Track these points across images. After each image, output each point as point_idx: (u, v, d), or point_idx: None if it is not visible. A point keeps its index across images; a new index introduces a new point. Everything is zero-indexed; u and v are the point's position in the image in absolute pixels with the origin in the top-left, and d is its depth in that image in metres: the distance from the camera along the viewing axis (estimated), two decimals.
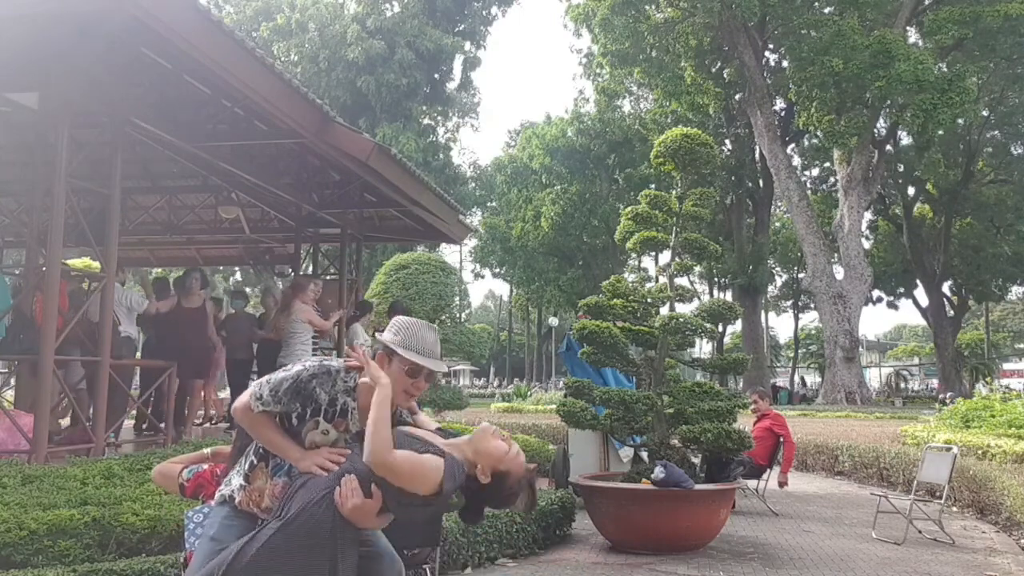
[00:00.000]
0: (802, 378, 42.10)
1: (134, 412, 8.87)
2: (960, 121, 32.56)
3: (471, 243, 50.25)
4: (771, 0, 31.79)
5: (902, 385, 48.76)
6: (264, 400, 2.59)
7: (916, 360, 63.86)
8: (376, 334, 9.56)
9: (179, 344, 8.57)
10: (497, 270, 54.32)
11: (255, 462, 2.67)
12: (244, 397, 2.62)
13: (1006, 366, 53.45)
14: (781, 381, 49.50)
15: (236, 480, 2.69)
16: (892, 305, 47.22)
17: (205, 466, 3.25)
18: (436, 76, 39.56)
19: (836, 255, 33.91)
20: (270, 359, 10.12)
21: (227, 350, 9.83)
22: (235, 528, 2.60)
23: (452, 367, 47.10)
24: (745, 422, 7.67)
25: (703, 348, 41.92)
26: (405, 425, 2.77)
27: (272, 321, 8.98)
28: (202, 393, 9.83)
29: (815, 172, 46.19)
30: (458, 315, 19.51)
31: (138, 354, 9.06)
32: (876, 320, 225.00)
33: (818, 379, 49.49)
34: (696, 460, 7.01)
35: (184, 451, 6.36)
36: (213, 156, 8.11)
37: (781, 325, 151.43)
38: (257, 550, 2.36)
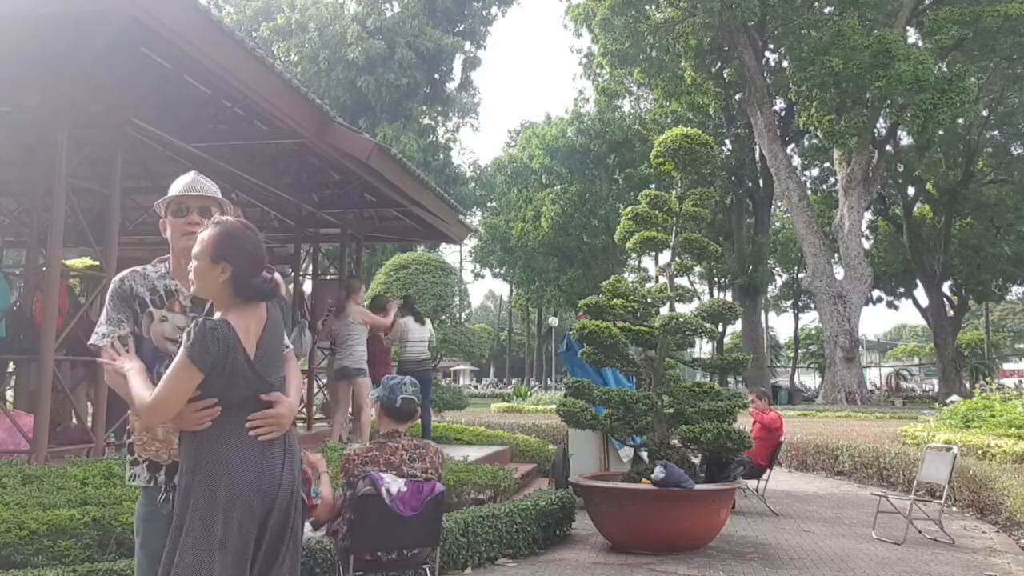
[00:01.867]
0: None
1: None
2: (960, 121, 32.56)
3: (471, 243, 50.28)
4: (771, 0, 31.79)
5: (902, 385, 48.76)
6: (103, 332, 2.53)
7: (916, 360, 63.87)
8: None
9: None
10: (497, 270, 54.32)
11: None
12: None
13: (1006, 366, 53.50)
14: (782, 380, 49.53)
15: (127, 447, 2.56)
16: (892, 305, 47.23)
17: None
18: (436, 76, 39.55)
19: (836, 255, 33.91)
20: None
21: None
22: (160, 524, 2.42)
23: (452, 367, 47.13)
24: (745, 422, 7.67)
25: (703, 348, 41.98)
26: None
27: (327, 325, 8.96)
28: None
29: (815, 172, 46.20)
30: (458, 315, 19.52)
31: None
32: (876, 320, 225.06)
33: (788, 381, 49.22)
34: (696, 460, 7.01)
35: None
36: (213, 156, 8.11)
37: (781, 325, 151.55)
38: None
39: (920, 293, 43.10)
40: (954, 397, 19.89)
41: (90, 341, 2.58)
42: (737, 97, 38.76)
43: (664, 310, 7.37)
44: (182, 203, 2.64)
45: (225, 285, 2.37)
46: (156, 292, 2.58)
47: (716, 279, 45.44)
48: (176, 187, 2.67)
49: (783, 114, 38.62)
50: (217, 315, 2.37)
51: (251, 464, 2.32)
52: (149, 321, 2.54)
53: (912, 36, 34.62)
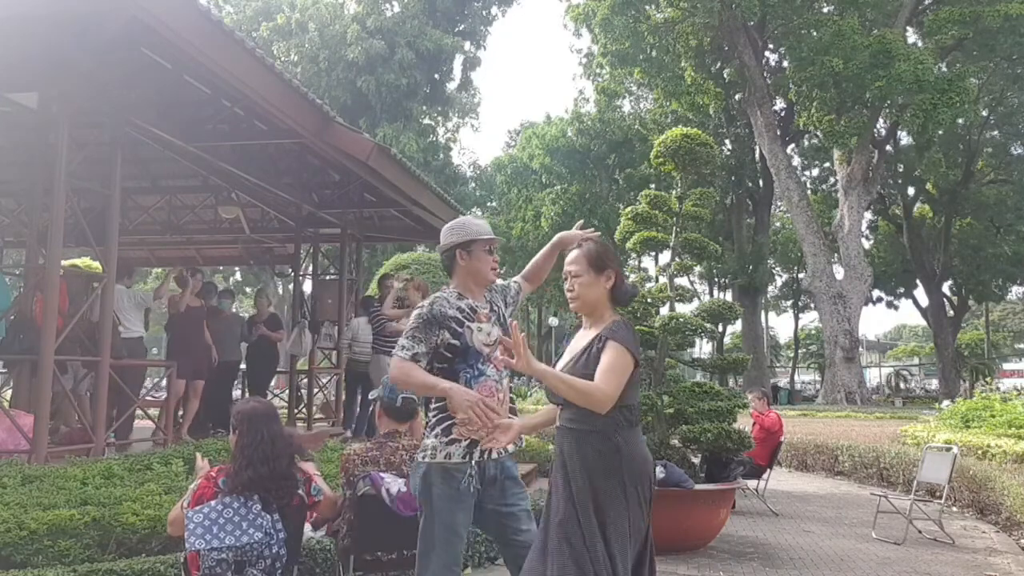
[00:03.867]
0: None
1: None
2: (960, 121, 32.51)
3: None
4: (771, 0, 31.78)
5: (902, 385, 48.72)
6: (406, 347, 3.02)
7: (916, 360, 63.83)
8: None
9: (182, 344, 8.62)
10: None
11: (435, 401, 3.06)
12: (394, 360, 3.02)
13: (1006, 366, 53.43)
14: (781, 380, 49.52)
15: (436, 429, 3.02)
16: (892, 305, 47.17)
17: (197, 483, 3.27)
18: (436, 76, 39.53)
19: (836, 255, 33.89)
20: (259, 360, 10.09)
21: (215, 351, 9.46)
22: (461, 503, 2.96)
23: None
24: (745, 422, 7.67)
25: (703, 348, 41.93)
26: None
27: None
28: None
29: (815, 172, 46.14)
30: None
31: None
32: (876, 320, 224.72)
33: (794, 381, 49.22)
34: (696, 460, 7.01)
35: (184, 450, 6.38)
36: (213, 156, 8.11)
37: (781, 325, 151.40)
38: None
39: (920, 293, 43.09)
40: (946, 403, 19.83)
41: (395, 352, 3.04)
42: (737, 97, 38.72)
43: (664, 310, 7.36)
44: (492, 244, 3.24)
45: (607, 293, 2.73)
46: (463, 311, 3.12)
47: (716, 279, 45.40)
48: (483, 230, 3.24)
49: (783, 114, 38.58)
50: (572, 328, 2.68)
51: (649, 461, 2.63)
52: (470, 333, 3.09)
53: (912, 36, 34.60)
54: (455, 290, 3.22)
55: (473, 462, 3.00)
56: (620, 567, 2.48)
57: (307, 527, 3.81)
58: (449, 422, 3.02)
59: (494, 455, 3.06)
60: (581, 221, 3.41)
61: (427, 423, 3.14)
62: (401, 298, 9.11)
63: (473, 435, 2.99)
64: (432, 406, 3.11)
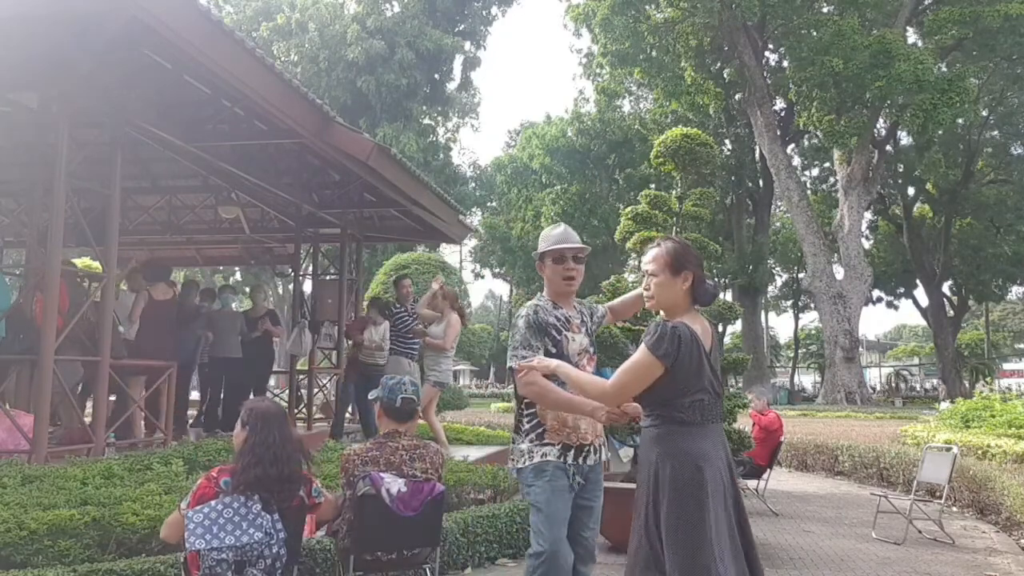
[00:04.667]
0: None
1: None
2: (960, 121, 32.54)
3: (471, 243, 50.23)
4: (771, 0, 31.77)
5: (903, 385, 48.72)
6: (519, 354, 3.10)
7: (916, 360, 63.82)
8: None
9: (153, 339, 8.21)
10: (497, 270, 54.26)
11: (527, 409, 3.16)
12: (519, 373, 3.03)
13: (1006, 366, 53.46)
14: (781, 380, 49.49)
15: (530, 435, 3.13)
16: (892, 305, 47.21)
17: (198, 483, 3.26)
18: (436, 76, 39.54)
19: (836, 255, 33.90)
20: (257, 359, 10.05)
21: (214, 348, 9.45)
22: (564, 496, 3.07)
23: (453, 367, 46.95)
24: (744, 422, 7.67)
25: None
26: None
27: (453, 334, 8.78)
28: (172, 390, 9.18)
29: (815, 172, 46.18)
30: None
31: None
32: (876, 320, 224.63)
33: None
34: None
35: (184, 450, 6.37)
36: (213, 156, 8.11)
37: (781, 325, 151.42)
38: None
39: (920, 293, 43.11)
40: (944, 404, 19.89)
41: (509, 364, 3.13)
42: (737, 97, 38.73)
43: None
44: (561, 253, 3.22)
45: (686, 293, 2.70)
46: (559, 320, 3.21)
47: (716, 279, 45.38)
48: (552, 239, 3.26)
49: (783, 114, 38.59)
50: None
51: (721, 455, 2.63)
52: (566, 343, 3.18)
53: (912, 36, 34.62)
54: (549, 299, 3.29)
55: (568, 464, 3.11)
56: (668, 562, 2.48)
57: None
58: (542, 428, 3.14)
59: (590, 461, 3.18)
60: None
61: (519, 427, 3.21)
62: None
63: (564, 440, 3.11)
64: (525, 412, 3.18)
